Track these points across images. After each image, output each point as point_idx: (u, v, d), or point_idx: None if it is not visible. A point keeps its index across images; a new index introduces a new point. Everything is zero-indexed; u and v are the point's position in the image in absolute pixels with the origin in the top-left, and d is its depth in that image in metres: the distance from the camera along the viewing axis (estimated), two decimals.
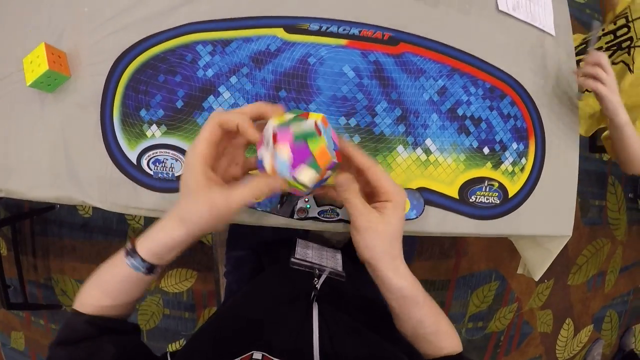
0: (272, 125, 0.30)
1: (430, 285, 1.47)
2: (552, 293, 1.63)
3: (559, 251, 0.60)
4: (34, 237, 1.31)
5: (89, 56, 0.49)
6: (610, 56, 0.79)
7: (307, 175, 0.29)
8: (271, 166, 0.30)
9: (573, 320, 1.69)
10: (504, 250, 1.51)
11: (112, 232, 1.31)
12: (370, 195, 0.37)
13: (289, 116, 0.31)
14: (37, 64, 0.46)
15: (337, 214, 0.46)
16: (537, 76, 0.59)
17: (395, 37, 0.53)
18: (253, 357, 0.31)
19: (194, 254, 1.31)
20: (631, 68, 0.73)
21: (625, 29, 0.77)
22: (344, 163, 0.34)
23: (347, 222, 0.47)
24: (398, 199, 0.35)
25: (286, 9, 0.50)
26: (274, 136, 0.29)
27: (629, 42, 0.75)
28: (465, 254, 1.49)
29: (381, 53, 0.52)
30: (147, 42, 0.49)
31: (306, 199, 0.45)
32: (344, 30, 0.51)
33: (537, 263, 0.64)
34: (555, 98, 0.60)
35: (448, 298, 1.49)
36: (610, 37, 0.79)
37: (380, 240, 0.34)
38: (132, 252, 0.34)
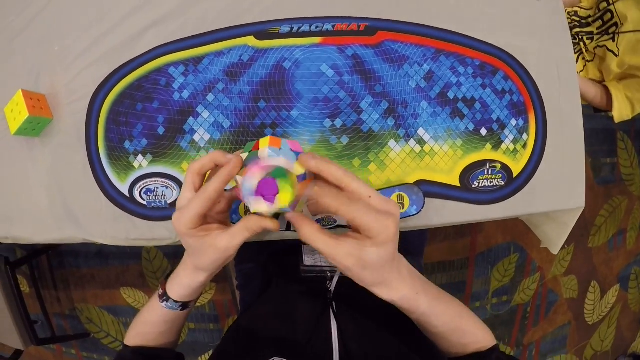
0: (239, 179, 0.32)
1: (449, 266, 1.45)
2: (573, 258, 1.59)
3: (574, 223, 0.57)
4: (53, 270, 1.34)
5: (67, 95, 0.49)
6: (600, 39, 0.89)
7: (281, 203, 0.31)
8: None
9: (598, 282, 1.66)
10: (520, 221, 1.48)
11: (126, 255, 1.33)
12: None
13: (244, 156, 0.32)
14: (17, 112, 0.46)
15: (335, 221, 0.45)
16: (528, 44, 0.56)
17: (372, 26, 0.50)
18: None
19: None
20: (616, 53, 0.82)
21: (609, 14, 0.84)
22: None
23: (346, 227, 0.45)
24: (379, 240, 0.29)
25: (254, 16, 0.48)
26: (245, 169, 0.31)
27: (614, 28, 0.83)
28: (481, 230, 1.47)
29: (359, 45, 0.49)
30: (120, 72, 0.48)
31: (301, 210, 0.44)
32: (316, 27, 0.49)
33: (553, 238, 0.62)
34: (551, 64, 0.57)
35: (469, 276, 1.47)
36: (599, 22, 0.87)
37: (362, 280, 0.31)
38: (166, 297, 0.39)
